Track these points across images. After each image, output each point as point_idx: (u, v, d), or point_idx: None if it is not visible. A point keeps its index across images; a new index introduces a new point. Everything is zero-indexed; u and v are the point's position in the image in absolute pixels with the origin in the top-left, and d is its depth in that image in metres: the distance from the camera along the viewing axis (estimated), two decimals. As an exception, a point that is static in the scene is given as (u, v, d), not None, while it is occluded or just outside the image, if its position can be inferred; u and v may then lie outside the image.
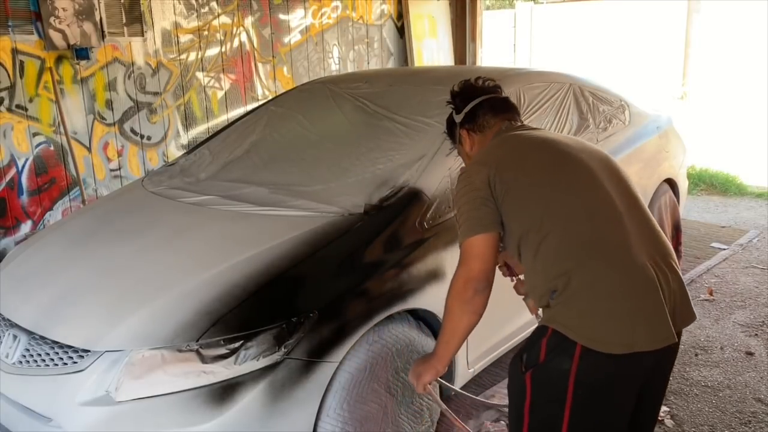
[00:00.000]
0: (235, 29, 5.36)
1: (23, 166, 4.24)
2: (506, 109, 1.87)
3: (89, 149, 4.57)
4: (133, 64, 4.74)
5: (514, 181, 1.62)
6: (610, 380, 1.48)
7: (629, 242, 1.53)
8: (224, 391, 1.76)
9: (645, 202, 3.83)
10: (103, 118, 4.62)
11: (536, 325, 1.59)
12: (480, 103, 1.84)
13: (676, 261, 1.60)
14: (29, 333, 2.01)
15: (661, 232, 1.65)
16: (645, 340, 1.46)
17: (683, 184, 4.22)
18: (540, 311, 1.65)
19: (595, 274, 1.50)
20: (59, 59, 4.32)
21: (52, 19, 4.18)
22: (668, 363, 1.65)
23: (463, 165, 1.94)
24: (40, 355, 1.95)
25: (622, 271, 1.50)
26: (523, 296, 1.95)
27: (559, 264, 1.52)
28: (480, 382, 2.83)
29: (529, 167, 1.66)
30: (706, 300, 3.77)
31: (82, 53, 4.34)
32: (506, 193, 1.61)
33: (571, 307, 1.49)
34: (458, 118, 1.88)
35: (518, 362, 1.58)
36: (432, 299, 2.23)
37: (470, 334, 1.69)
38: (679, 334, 1.55)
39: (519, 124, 1.87)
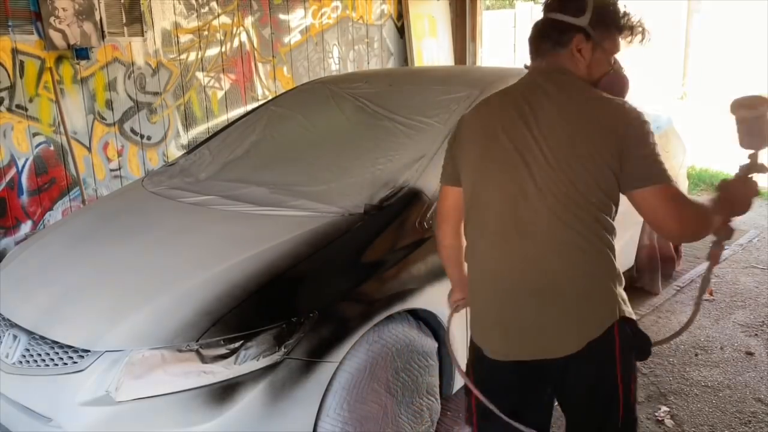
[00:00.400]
0: (235, 29, 5.36)
1: (23, 166, 4.24)
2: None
3: (89, 149, 4.57)
4: (133, 64, 4.74)
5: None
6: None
7: (508, 241, 1.49)
8: (224, 391, 1.76)
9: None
10: (103, 118, 4.62)
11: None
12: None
13: (546, 287, 1.48)
14: (29, 333, 2.01)
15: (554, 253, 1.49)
16: (495, 349, 1.59)
17: (683, 184, 4.22)
18: None
19: (472, 264, 1.65)
20: (59, 59, 4.31)
21: (52, 19, 4.18)
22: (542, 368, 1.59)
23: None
24: (40, 355, 1.95)
25: (485, 271, 1.58)
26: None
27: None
28: (480, 382, 2.83)
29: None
30: (706, 300, 3.77)
31: (82, 53, 4.34)
32: None
33: None
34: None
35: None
36: (432, 299, 2.23)
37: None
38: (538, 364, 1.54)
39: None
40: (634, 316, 1.57)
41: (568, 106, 1.48)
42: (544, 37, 1.57)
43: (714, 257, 1.67)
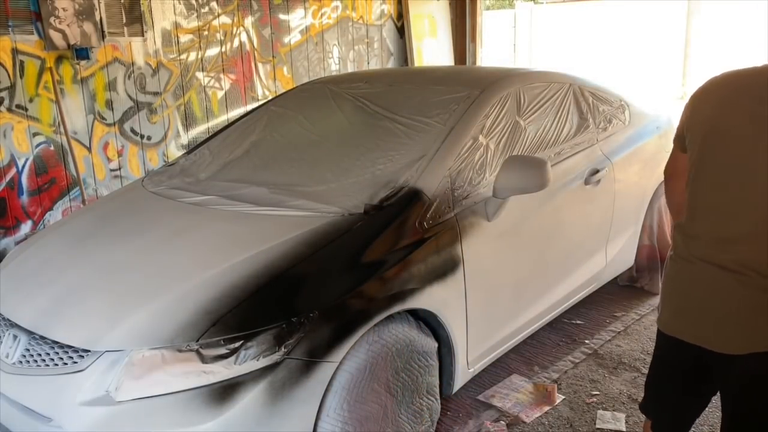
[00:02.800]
0: (235, 29, 5.36)
1: (23, 166, 4.24)
2: None
3: (89, 149, 4.58)
4: (133, 64, 4.74)
5: None
6: None
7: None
8: (224, 391, 1.76)
9: (645, 202, 3.82)
10: (103, 118, 4.62)
11: None
12: None
13: None
14: (29, 333, 2.01)
15: None
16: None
17: (683, 184, 4.21)
18: None
19: None
20: (59, 59, 4.32)
21: (52, 19, 4.19)
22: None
23: None
24: (40, 355, 1.95)
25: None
26: None
27: None
28: (480, 382, 2.83)
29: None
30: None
31: (82, 53, 4.34)
32: None
33: None
34: None
35: None
36: (432, 299, 2.24)
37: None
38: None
39: None
40: None
41: None
42: None
43: None
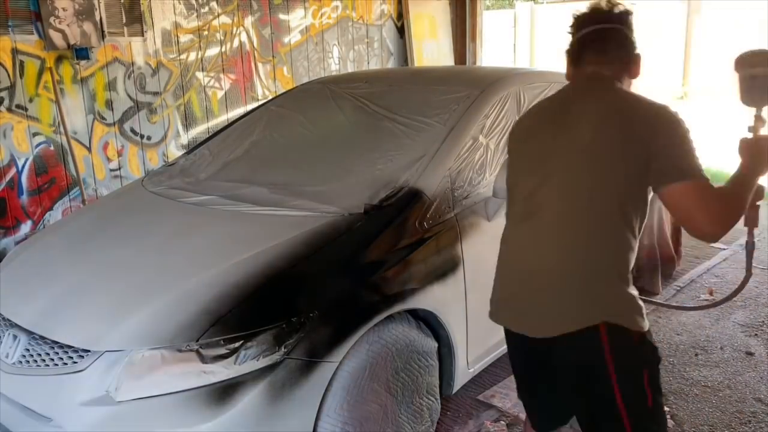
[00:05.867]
0: (235, 29, 5.36)
1: (23, 166, 4.24)
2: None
3: (89, 149, 4.57)
4: (133, 64, 4.74)
5: None
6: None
7: (538, 232, 1.58)
8: (224, 391, 1.76)
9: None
10: (103, 118, 4.62)
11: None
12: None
13: (561, 273, 1.55)
14: (29, 333, 2.01)
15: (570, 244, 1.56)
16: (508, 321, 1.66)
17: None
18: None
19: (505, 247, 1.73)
20: (59, 59, 4.31)
21: (52, 19, 4.18)
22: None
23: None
24: (40, 355, 1.95)
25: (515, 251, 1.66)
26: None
27: None
28: (480, 382, 2.83)
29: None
30: (706, 300, 3.77)
31: (82, 53, 4.34)
32: None
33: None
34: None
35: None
36: (432, 299, 2.23)
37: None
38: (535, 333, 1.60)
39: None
40: (643, 329, 1.53)
41: (604, 110, 1.55)
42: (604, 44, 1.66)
43: (752, 220, 1.70)
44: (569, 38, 1.72)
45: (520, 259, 1.63)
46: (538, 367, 1.69)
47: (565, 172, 1.54)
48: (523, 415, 2.62)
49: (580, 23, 1.70)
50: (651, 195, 1.56)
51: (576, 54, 1.69)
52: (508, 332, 1.71)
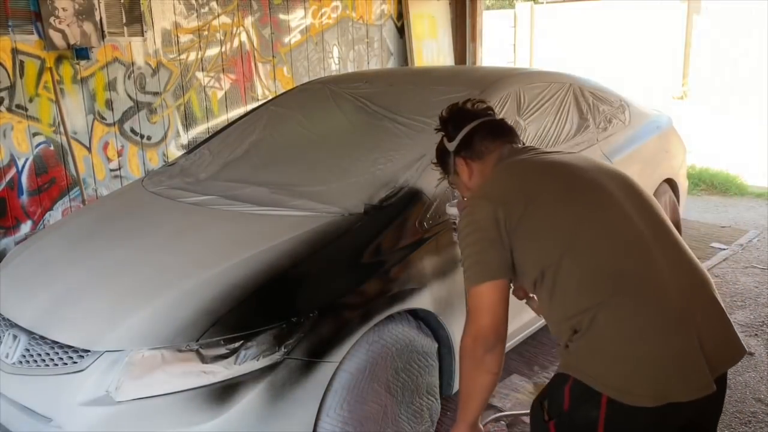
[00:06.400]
0: (235, 29, 5.36)
1: (23, 166, 4.24)
2: (505, 132, 1.71)
3: (89, 149, 4.57)
4: (133, 64, 4.74)
5: (524, 215, 1.45)
6: (644, 429, 1.33)
7: (659, 274, 1.37)
8: (224, 391, 1.76)
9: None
10: (103, 118, 4.62)
11: (556, 372, 1.46)
12: (476, 127, 1.67)
13: (715, 290, 1.43)
14: (29, 333, 2.01)
15: (695, 258, 1.48)
16: (679, 390, 1.29)
17: (683, 184, 4.22)
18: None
19: (621, 313, 1.33)
20: (59, 59, 4.31)
21: (52, 19, 4.18)
22: (711, 413, 1.44)
23: (462, 199, 1.78)
24: (40, 355, 1.95)
25: (651, 309, 1.33)
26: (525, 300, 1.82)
27: (581, 301, 1.37)
28: (480, 382, 2.83)
29: (539, 197, 1.48)
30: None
31: (82, 53, 4.34)
32: (516, 230, 1.45)
33: (594, 353, 1.34)
34: (452, 146, 1.69)
35: (539, 410, 1.44)
36: (432, 299, 2.23)
37: (489, 393, 1.55)
38: (723, 378, 1.39)
39: (521, 146, 1.70)
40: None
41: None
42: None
43: None
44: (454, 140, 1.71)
45: (665, 305, 1.35)
46: None
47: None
48: (523, 416, 2.62)
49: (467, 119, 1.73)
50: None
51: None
52: (657, 412, 1.30)
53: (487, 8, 12.21)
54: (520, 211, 1.46)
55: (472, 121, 1.69)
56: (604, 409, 1.32)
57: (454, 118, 1.73)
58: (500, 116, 2.76)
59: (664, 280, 1.37)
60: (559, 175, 1.55)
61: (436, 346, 2.31)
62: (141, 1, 4.70)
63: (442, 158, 1.77)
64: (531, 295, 1.71)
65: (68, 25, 4.26)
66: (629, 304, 1.34)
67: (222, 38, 5.28)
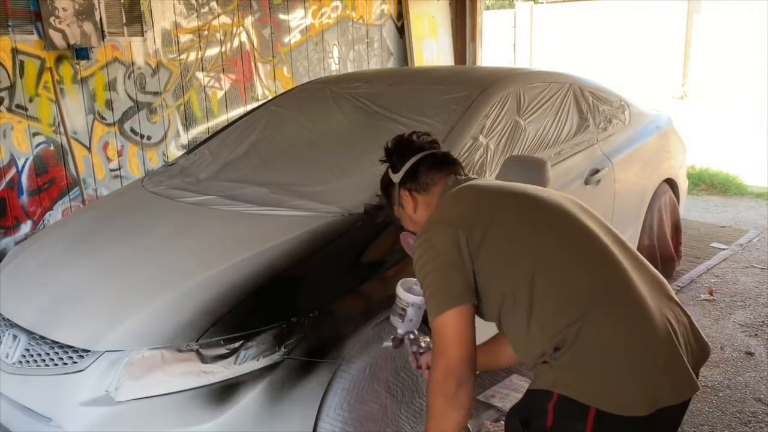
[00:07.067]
0: (235, 29, 5.36)
1: (23, 166, 4.24)
2: (449, 163, 1.68)
3: (89, 149, 4.57)
4: (133, 64, 4.74)
5: (485, 235, 1.42)
6: None
7: (632, 285, 1.37)
8: (224, 391, 1.76)
9: (645, 202, 3.84)
10: (103, 118, 4.62)
11: (531, 388, 1.42)
12: (421, 159, 1.64)
13: (675, 296, 1.46)
14: (29, 333, 2.01)
15: (646, 262, 1.51)
16: (669, 393, 1.30)
17: (683, 184, 4.23)
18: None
19: (606, 324, 1.32)
20: (59, 59, 4.31)
21: (52, 19, 4.18)
22: (682, 412, 1.43)
23: (407, 231, 1.74)
24: (40, 355, 1.95)
25: (634, 317, 1.33)
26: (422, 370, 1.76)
27: (561, 318, 1.34)
28: (480, 382, 2.82)
29: (498, 216, 1.46)
30: (706, 300, 3.77)
31: (82, 53, 4.34)
32: (479, 252, 1.41)
33: (582, 366, 1.31)
34: (396, 177, 1.66)
35: (519, 428, 1.41)
36: (432, 299, 2.23)
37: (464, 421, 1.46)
38: (697, 376, 1.40)
39: (465, 177, 1.67)
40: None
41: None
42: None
43: None
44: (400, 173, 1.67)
45: (643, 318, 1.34)
46: None
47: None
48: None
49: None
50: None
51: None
52: (647, 422, 1.30)
53: (487, 8, 12.22)
54: (480, 232, 1.42)
55: (417, 153, 1.66)
56: (591, 423, 1.29)
57: (399, 150, 1.70)
58: (501, 116, 2.76)
59: (637, 287, 1.37)
60: (513, 195, 1.54)
61: (436, 346, 2.31)
62: (141, 1, 4.70)
63: (387, 189, 1.73)
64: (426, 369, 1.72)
65: (68, 25, 4.27)
66: (612, 314, 1.34)
67: (222, 38, 5.28)
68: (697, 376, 1.38)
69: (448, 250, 1.41)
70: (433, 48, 6.96)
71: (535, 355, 1.39)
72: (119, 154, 4.75)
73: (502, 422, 2.59)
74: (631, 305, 1.35)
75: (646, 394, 1.28)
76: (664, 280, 1.48)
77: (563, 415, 1.33)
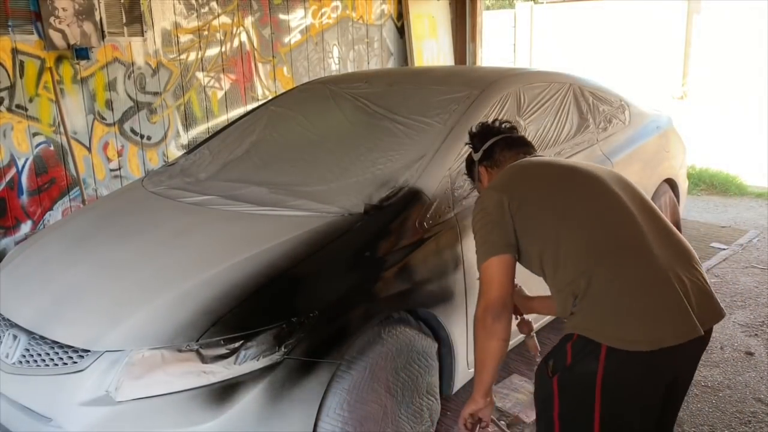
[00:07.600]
0: (235, 29, 5.36)
1: (23, 166, 4.24)
2: (522, 144, 2.00)
3: (89, 149, 4.57)
4: (133, 64, 4.74)
5: (524, 199, 1.70)
6: (638, 378, 1.50)
7: (645, 244, 1.56)
8: (224, 391, 1.76)
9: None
10: (103, 118, 4.62)
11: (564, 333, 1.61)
12: (497, 141, 1.98)
13: (698, 262, 1.62)
14: (29, 333, 2.01)
15: (683, 238, 1.68)
16: (670, 334, 1.47)
17: (683, 184, 4.22)
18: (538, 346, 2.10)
19: (613, 272, 1.53)
20: (59, 59, 4.31)
21: (52, 19, 4.18)
22: (695, 357, 1.64)
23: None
24: (40, 355, 1.95)
25: (639, 267, 1.53)
26: (525, 335, 2.18)
27: (577, 267, 1.56)
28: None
29: (537, 183, 1.75)
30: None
31: (82, 53, 4.34)
32: (518, 212, 1.68)
33: (593, 309, 1.52)
34: (477, 156, 2.01)
35: (545, 368, 1.61)
36: (432, 299, 2.23)
37: (499, 358, 1.70)
38: (708, 332, 1.57)
39: (534, 155, 1.96)
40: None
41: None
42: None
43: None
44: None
45: (653, 264, 1.54)
46: (667, 388, 1.59)
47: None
48: (523, 416, 2.62)
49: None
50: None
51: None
52: (651, 359, 1.47)
53: (487, 8, 12.22)
54: (520, 196, 1.71)
55: (495, 136, 1.99)
56: (603, 360, 1.48)
57: (480, 133, 2.05)
58: (501, 116, 2.79)
59: (653, 247, 1.56)
60: (555, 166, 1.85)
61: (436, 346, 2.31)
62: (141, 1, 4.70)
63: (469, 168, 2.10)
64: (532, 334, 2.17)
65: (68, 25, 4.27)
66: (621, 263, 1.54)
67: (222, 38, 5.28)
68: (709, 333, 1.57)
69: (494, 211, 1.70)
70: (433, 48, 6.96)
71: (566, 307, 1.59)
72: (119, 154, 4.75)
73: (503, 422, 2.59)
74: (643, 258, 1.54)
75: (648, 332, 1.46)
76: (693, 252, 1.64)
77: (579, 353, 1.53)
